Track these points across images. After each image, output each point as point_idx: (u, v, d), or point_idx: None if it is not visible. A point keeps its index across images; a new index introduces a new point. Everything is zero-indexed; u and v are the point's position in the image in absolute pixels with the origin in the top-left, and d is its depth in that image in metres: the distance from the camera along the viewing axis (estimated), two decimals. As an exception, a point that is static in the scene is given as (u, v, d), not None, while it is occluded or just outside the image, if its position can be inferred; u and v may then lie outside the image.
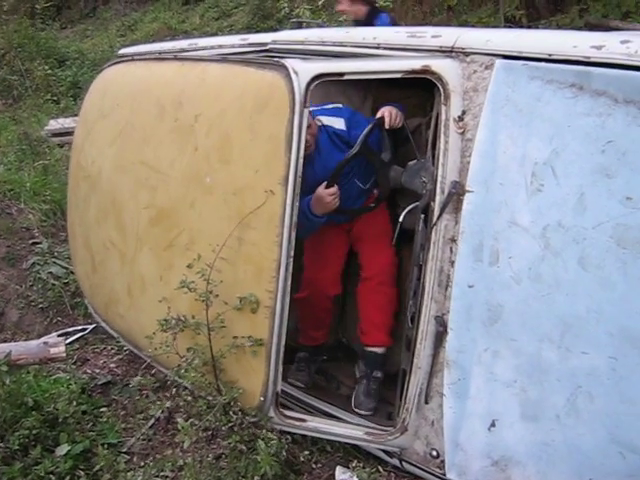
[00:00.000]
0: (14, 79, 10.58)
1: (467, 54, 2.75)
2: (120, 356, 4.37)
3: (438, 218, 2.76)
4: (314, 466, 3.26)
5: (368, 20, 5.24)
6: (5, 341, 4.42)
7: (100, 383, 4.09)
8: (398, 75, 2.92)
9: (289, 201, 2.84)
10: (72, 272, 4.93)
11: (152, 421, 3.64)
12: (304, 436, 3.27)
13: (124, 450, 3.49)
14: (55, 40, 12.65)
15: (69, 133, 6.89)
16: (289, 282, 2.92)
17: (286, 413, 3.10)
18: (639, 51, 2.27)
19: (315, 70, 2.91)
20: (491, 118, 2.60)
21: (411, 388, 2.89)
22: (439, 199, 2.77)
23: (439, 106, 2.80)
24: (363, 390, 3.51)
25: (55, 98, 10.19)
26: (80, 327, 4.74)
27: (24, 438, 3.29)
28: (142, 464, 3.35)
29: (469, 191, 2.66)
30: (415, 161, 3.22)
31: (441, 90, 2.77)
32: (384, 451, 3.12)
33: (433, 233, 2.79)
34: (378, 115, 3.23)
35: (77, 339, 4.61)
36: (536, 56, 2.51)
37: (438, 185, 2.77)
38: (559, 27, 6.52)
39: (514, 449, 2.60)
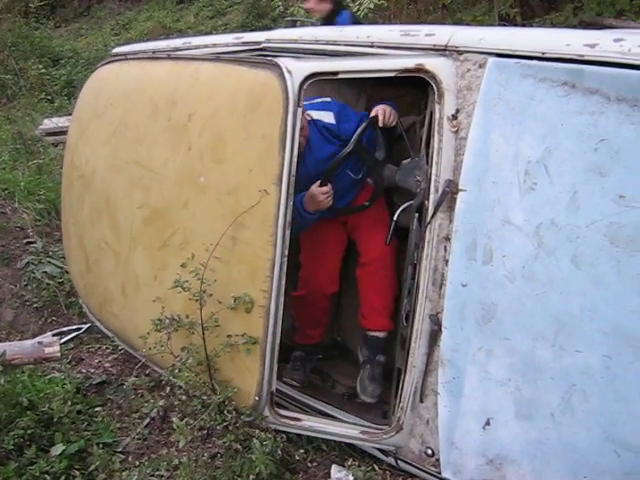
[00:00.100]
0: (8, 78, 10.53)
1: (461, 52, 2.75)
2: (115, 355, 4.37)
3: (432, 217, 2.76)
4: (309, 465, 3.26)
5: (331, 17, 5.43)
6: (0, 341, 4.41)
7: (95, 383, 4.09)
8: (392, 74, 2.92)
9: (283, 200, 2.84)
10: (66, 271, 4.92)
11: (147, 420, 3.64)
12: (299, 435, 3.27)
13: (119, 450, 3.49)
14: (49, 39, 12.60)
15: (63, 132, 6.87)
16: (283, 281, 2.92)
17: (281, 412, 3.10)
18: (632, 49, 2.27)
19: (309, 69, 2.90)
20: (484, 116, 2.60)
21: (406, 387, 2.89)
22: (433, 198, 2.77)
23: (433, 105, 2.80)
24: (368, 375, 3.50)
25: (49, 97, 10.16)
26: (75, 327, 4.73)
27: (19, 438, 3.29)
28: (137, 463, 3.35)
29: (462, 190, 2.66)
30: (409, 160, 3.22)
31: (435, 89, 2.77)
32: (379, 450, 3.12)
33: (427, 232, 2.78)
34: (372, 114, 3.23)
35: (72, 339, 4.60)
36: (529, 54, 2.50)
37: (432, 184, 2.77)
38: (553, 25, 6.51)
39: (509, 447, 2.60)
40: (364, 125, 3.23)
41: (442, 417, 2.78)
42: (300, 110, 2.85)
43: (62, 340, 4.34)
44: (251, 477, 2.93)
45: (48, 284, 5.08)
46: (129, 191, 3.61)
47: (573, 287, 2.38)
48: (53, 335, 4.28)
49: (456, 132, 2.73)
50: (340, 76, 2.99)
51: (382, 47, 3.06)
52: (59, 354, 3.61)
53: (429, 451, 2.88)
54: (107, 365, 4.31)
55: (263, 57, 3.21)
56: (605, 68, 2.30)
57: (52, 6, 15.89)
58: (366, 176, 3.54)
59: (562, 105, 2.39)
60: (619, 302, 2.28)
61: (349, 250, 3.81)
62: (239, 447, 2.99)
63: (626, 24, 5.71)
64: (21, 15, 13.61)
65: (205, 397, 3.03)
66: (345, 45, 3.20)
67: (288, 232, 2.88)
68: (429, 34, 2.92)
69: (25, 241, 5.59)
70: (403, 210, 3.25)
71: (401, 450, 3.00)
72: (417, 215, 2.95)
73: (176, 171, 3.31)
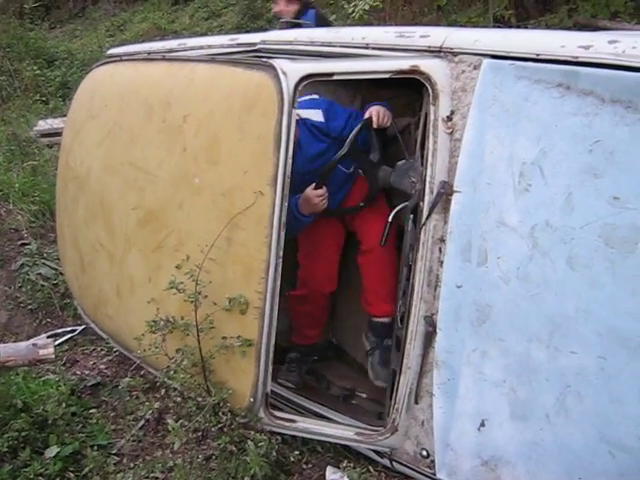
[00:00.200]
0: (3, 79, 10.50)
1: (455, 54, 2.75)
2: (110, 357, 4.36)
3: (427, 218, 2.76)
4: (304, 466, 3.26)
5: (297, 17, 5.53)
6: (-6, 343, 4.40)
7: (90, 384, 4.09)
8: (387, 75, 2.91)
9: (278, 202, 2.83)
10: (61, 273, 4.92)
11: (142, 422, 3.64)
12: (294, 436, 3.27)
13: (114, 452, 3.49)
14: (44, 40, 12.59)
15: (58, 134, 6.83)
16: (278, 283, 2.91)
17: (276, 414, 3.09)
18: (627, 51, 2.26)
19: (304, 70, 2.90)
20: (479, 118, 2.60)
21: (401, 388, 2.89)
22: (428, 199, 2.76)
23: (428, 106, 2.80)
24: (378, 360, 3.49)
25: (44, 98, 10.14)
26: (69, 328, 4.73)
27: (13, 440, 3.29)
28: (132, 465, 3.35)
29: (457, 191, 2.66)
30: (404, 161, 3.21)
31: (430, 90, 2.77)
32: (374, 451, 3.12)
33: (422, 233, 2.78)
34: (366, 115, 3.23)
35: (66, 340, 4.60)
36: (524, 56, 2.50)
37: (427, 185, 2.76)
38: (548, 27, 6.52)
39: (504, 449, 2.60)
40: (358, 127, 3.23)
41: (437, 418, 2.77)
42: (295, 111, 2.85)
43: (57, 342, 4.33)
44: (246, 479, 2.93)
45: (43, 286, 5.07)
46: (124, 192, 3.61)
47: (568, 288, 2.38)
48: (47, 337, 4.26)
49: (451, 133, 2.73)
50: (335, 77, 2.99)
51: (377, 48, 3.06)
52: (53, 356, 3.60)
53: (424, 452, 2.88)
54: (102, 367, 4.31)
55: (258, 58, 3.21)
56: (600, 70, 2.30)
57: (47, 7, 15.88)
58: (357, 168, 3.54)
59: (557, 106, 2.39)
60: (614, 303, 2.28)
61: (344, 250, 3.82)
62: (234, 449, 2.99)
63: (620, 26, 5.73)
64: (16, 16, 13.59)
65: (200, 399, 3.03)
66: (340, 46, 3.20)
67: (283, 233, 2.88)
68: (424, 35, 2.92)
69: (20, 243, 5.58)
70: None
71: (396, 451, 3.00)
72: (412, 216, 2.95)
73: (171, 172, 3.31)
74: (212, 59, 3.42)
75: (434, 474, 2.83)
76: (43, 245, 5.54)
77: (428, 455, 2.87)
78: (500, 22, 6.86)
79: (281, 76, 2.82)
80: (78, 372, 4.23)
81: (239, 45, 3.72)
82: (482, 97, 2.59)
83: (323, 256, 3.74)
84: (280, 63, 2.90)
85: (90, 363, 4.36)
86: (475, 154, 2.60)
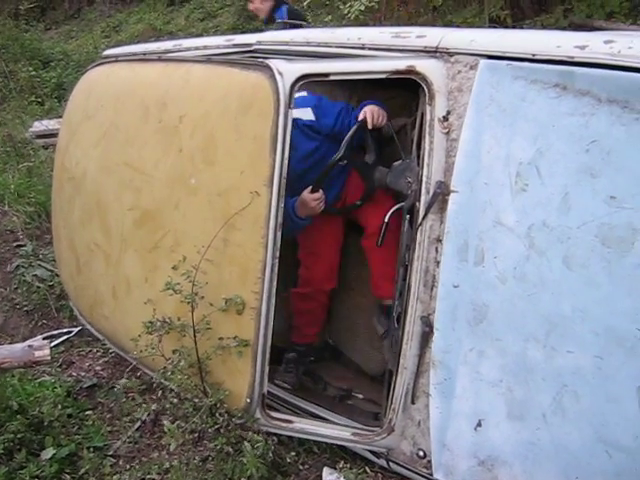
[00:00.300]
0: (-2, 81, 10.53)
1: (451, 54, 2.75)
2: (106, 359, 4.35)
3: (423, 218, 2.76)
4: (301, 467, 3.25)
5: (271, 14, 5.83)
6: (-11, 344, 4.39)
7: (85, 386, 4.07)
8: (383, 75, 2.92)
9: (274, 202, 2.83)
10: (57, 274, 4.91)
11: (138, 424, 3.63)
12: (291, 437, 3.26)
13: (110, 453, 3.47)
14: (39, 41, 12.58)
15: (53, 135, 6.84)
16: (275, 283, 2.91)
17: (272, 414, 3.09)
18: (622, 51, 2.27)
19: (300, 71, 2.90)
20: (475, 118, 2.61)
21: (397, 388, 2.89)
22: (424, 199, 2.76)
23: (424, 106, 2.80)
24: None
25: (39, 100, 10.12)
26: (65, 330, 4.72)
27: (9, 442, 3.28)
28: (128, 467, 3.33)
29: (454, 191, 2.66)
30: (400, 161, 3.21)
31: (426, 90, 2.77)
32: (371, 452, 3.12)
33: (418, 233, 2.78)
34: (360, 117, 3.22)
35: (62, 342, 4.59)
36: (520, 56, 2.50)
37: (423, 185, 2.76)
38: (544, 27, 6.54)
39: (500, 449, 2.60)
40: (353, 129, 3.23)
41: (434, 418, 2.77)
42: (291, 112, 2.85)
43: (52, 343, 4.30)
44: (242, 480, 2.93)
45: (38, 287, 5.06)
46: (120, 193, 3.60)
47: (564, 288, 2.38)
48: (43, 338, 4.26)
49: (447, 134, 2.73)
50: (331, 77, 2.99)
51: (373, 49, 3.06)
52: (49, 357, 3.58)
53: (421, 453, 2.88)
54: (98, 368, 4.29)
55: (254, 59, 3.21)
56: (596, 70, 2.31)
57: (42, 8, 15.89)
58: (353, 169, 3.54)
59: (553, 107, 2.39)
60: (610, 303, 2.29)
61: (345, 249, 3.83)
62: (230, 450, 2.98)
63: (616, 26, 5.74)
64: (11, 17, 13.61)
65: (196, 400, 3.02)
66: (336, 47, 3.20)
67: (279, 234, 2.88)
68: (420, 36, 2.92)
69: (15, 244, 5.58)
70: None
71: (393, 452, 3.00)
72: (408, 217, 2.95)
73: (167, 173, 3.30)
74: (208, 59, 3.42)
75: (431, 474, 2.83)
76: (39, 246, 5.53)
77: (425, 455, 2.87)
78: (496, 22, 6.87)
79: (277, 76, 2.82)
80: (74, 374, 4.22)
81: (235, 46, 3.72)
82: (479, 97, 2.59)
83: (323, 254, 3.76)
84: (276, 63, 2.90)
85: (86, 364, 4.35)
86: (472, 154, 2.60)
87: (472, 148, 2.61)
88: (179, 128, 3.25)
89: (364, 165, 3.36)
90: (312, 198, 3.27)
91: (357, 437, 3.03)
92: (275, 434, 3.12)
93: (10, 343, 4.32)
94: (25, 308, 4.96)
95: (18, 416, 3.37)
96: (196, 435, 3.13)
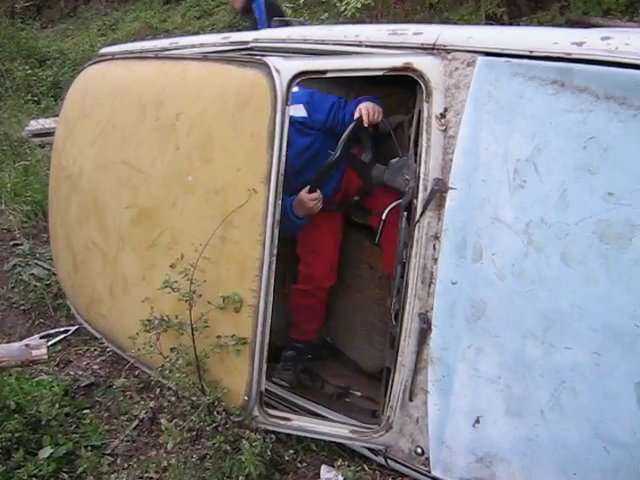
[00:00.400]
0: (-6, 80, 10.51)
1: (449, 51, 2.75)
2: (103, 357, 4.35)
3: (421, 215, 2.76)
4: (299, 465, 3.26)
5: (248, 5, 5.95)
6: (-13, 344, 4.38)
7: (83, 385, 4.07)
8: (380, 72, 2.91)
9: (271, 199, 2.82)
10: (54, 273, 4.90)
11: (136, 422, 3.63)
12: (289, 435, 3.27)
13: (108, 452, 3.48)
14: (35, 40, 12.55)
15: (50, 133, 6.82)
16: (272, 280, 2.91)
17: (270, 412, 3.09)
18: (620, 47, 2.27)
19: (297, 68, 2.90)
20: (473, 115, 2.60)
21: (395, 386, 2.89)
22: (422, 196, 2.76)
23: (421, 103, 2.80)
24: None
25: (36, 98, 10.11)
26: (62, 329, 4.71)
27: (6, 441, 3.27)
28: (126, 466, 3.33)
29: (452, 188, 2.66)
30: (397, 159, 3.21)
31: (423, 87, 2.77)
32: (369, 449, 3.12)
33: (416, 230, 2.78)
34: (356, 115, 3.20)
35: (59, 341, 4.58)
36: (518, 53, 2.51)
37: (421, 182, 2.76)
38: (540, 24, 6.54)
39: (499, 445, 2.60)
40: (350, 128, 3.22)
41: (432, 415, 2.77)
42: (288, 109, 2.84)
43: (50, 342, 4.31)
44: (240, 478, 2.92)
45: (35, 286, 5.05)
46: (117, 191, 3.60)
47: (562, 284, 2.38)
48: (40, 337, 4.23)
49: (444, 130, 2.73)
50: (328, 75, 2.99)
51: (370, 46, 3.05)
52: (47, 356, 3.57)
53: (419, 450, 2.88)
54: (95, 367, 4.29)
55: (251, 56, 3.20)
56: (593, 66, 2.31)
57: (38, 7, 15.83)
58: (350, 168, 3.54)
59: (551, 103, 2.40)
60: (608, 299, 2.29)
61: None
62: (228, 448, 2.98)
63: (612, 23, 5.74)
64: (7, 16, 13.57)
65: (194, 398, 3.02)
66: (333, 44, 3.20)
67: (277, 231, 2.87)
68: (417, 33, 2.92)
69: (12, 243, 5.57)
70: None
71: (391, 449, 3.00)
72: (406, 214, 2.94)
73: (164, 171, 3.30)
74: (205, 57, 3.41)
75: (429, 471, 2.83)
76: (35, 245, 5.52)
77: (423, 452, 2.87)
78: (492, 20, 6.86)
79: (274, 74, 2.81)
80: (71, 372, 4.21)
81: (232, 43, 3.72)
82: (477, 94, 2.59)
83: (323, 252, 3.77)
84: (273, 61, 2.89)
85: (83, 363, 4.35)
86: (470, 151, 2.60)
87: (470, 145, 2.61)
88: (176, 126, 3.24)
89: (361, 163, 3.35)
90: (310, 198, 3.27)
91: (355, 434, 3.03)
92: (273, 432, 3.12)
93: (7, 342, 4.31)
94: (22, 307, 4.95)
95: (15, 415, 3.36)
96: (194, 433, 3.13)
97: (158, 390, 3.19)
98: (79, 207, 3.97)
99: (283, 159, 2.83)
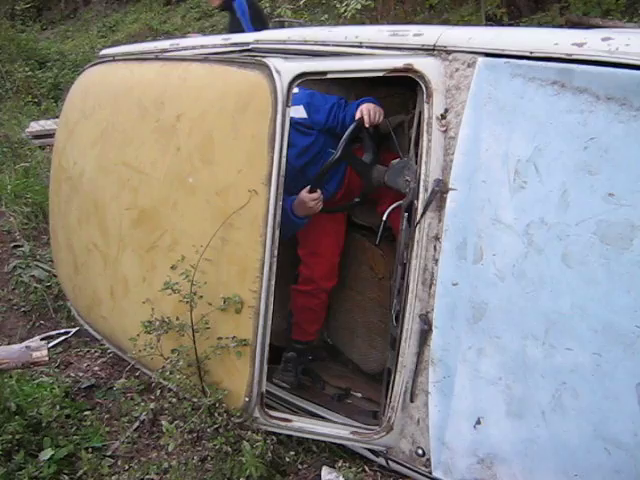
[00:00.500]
0: (-6, 81, 10.53)
1: (449, 52, 2.75)
2: (104, 359, 4.35)
3: (422, 216, 2.76)
4: (300, 467, 3.25)
5: (228, 3, 6.02)
6: (-13, 345, 4.38)
7: (84, 386, 4.07)
8: (381, 73, 2.91)
9: (272, 200, 2.82)
10: (54, 275, 4.91)
11: (136, 424, 3.62)
12: (290, 436, 3.26)
13: (108, 454, 3.47)
14: (35, 41, 12.60)
15: (50, 135, 6.85)
16: (273, 282, 2.90)
17: (271, 413, 3.08)
18: (620, 48, 2.27)
19: (297, 69, 2.89)
20: (473, 116, 2.60)
21: (396, 387, 2.89)
22: (422, 197, 2.76)
23: (422, 104, 2.80)
24: None
25: (36, 100, 10.13)
26: (63, 330, 4.72)
27: (7, 443, 3.27)
28: (126, 467, 3.32)
29: (452, 189, 2.66)
30: (398, 160, 3.21)
31: (423, 88, 2.77)
32: (370, 450, 3.11)
33: (417, 231, 2.78)
34: (357, 116, 3.21)
35: (60, 342, 4.59)
36: (518, 54, 2.51)
37: (421, 183, 2.76)
38: (540, 25, 6.55)
39: (500, 446, 2.60)
40: (350, 129, 3.22)
41: (433, 417, 2.77)
42: (289, 110, 2.84)
43: (50, 344, 4.31)
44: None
45: (36, 288, 5.05)
46: (117, 193, 3.59)
47: (563, 285, 2.38)
48: (41, 339, 4.26)
49: (445, 131, 2.73)
50: (329, 76, 2.98)
51: (371, 47, 3.05)
52: (47, 358, 3.57)
53: (420, 451, 2.88)
54: (96, 369, 4.29)
55: (251, 57, 3.20)
56: (594, 67, 2.30)
57: (38, 9, 15.88)
58: (351, 169, 3.54)
59: (552, 104, 2.39)
60: (609, 300, 2.28)
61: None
62: (229, 450, 2.97)
63: (612, 23, 5.75)
64: (7, 18, 13.60)
65: (195, 399, 3.01)
66: (334, 45, 3.20)
67: (277, 232, 2.87)
68: (417, 34, 2.92)
69: (12, 245, 5.58)
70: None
71: (392, 450, 3.00)
72: (406, 215, 2.94)
73: (165, 172, 3.29)
74: (205, 58, 3.41)
75: (430, 472, 2.83)
76: (36, 247, 5.53)
77: (424, 453, 2.87)
78: (492, 20, 6.89)
79: (275, 75, 2.81)
80: (72, 374, 4.21)
81: (232, 45, 3.72)
82: (477, 95, 2.59)
83: (324, 254, 3.76)
84: (274, 62, 2.89)
85: (84, 365, 4.35)
86: (470, 152, 2.60)
87: (470, 146, 2.61)
88: (177, 127, 3.24)
89: (362, 164, 3.35)
90: (310, 198, 3.26)
91: (356, 436, 3.03)
92: (274, 433, 3.12)
93: (8, 344, 4.31)
94: (23, 309, 4.96)
95: (16, 417, 3.36)
96: (195, 435, 3.12)
97: (159, 392, 3.18)
98: (80, 208, 3.96)
99: (284, 160, 2.83)
